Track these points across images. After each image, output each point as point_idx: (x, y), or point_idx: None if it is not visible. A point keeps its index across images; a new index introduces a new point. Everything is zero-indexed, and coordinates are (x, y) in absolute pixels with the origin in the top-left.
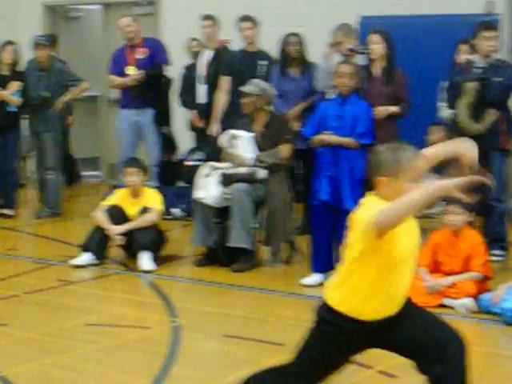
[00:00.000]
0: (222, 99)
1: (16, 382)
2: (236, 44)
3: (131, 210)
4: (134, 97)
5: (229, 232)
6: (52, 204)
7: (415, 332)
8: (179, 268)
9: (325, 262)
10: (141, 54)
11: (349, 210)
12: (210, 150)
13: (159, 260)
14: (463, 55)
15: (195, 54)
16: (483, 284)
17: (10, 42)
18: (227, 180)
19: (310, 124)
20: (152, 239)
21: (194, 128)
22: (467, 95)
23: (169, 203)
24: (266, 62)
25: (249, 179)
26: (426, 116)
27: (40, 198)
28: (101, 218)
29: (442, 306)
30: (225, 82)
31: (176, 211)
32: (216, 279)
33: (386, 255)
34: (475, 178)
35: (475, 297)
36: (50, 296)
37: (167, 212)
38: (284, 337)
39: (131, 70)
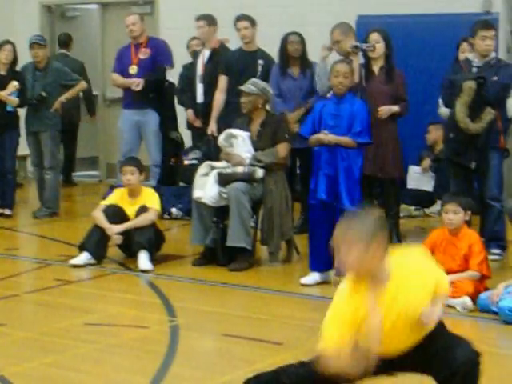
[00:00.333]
0: (220, 98)
1: (14, 381)
2: (234, 43)
3: (129, 209)
4: (135, 98)
5: (227, 231)
6: (50, 204)
7: (427, 353)
8: (177, 267)
9: (323, 261)
10: (143, 54)
11: (346, 209)
12: (207, 149)
13: (157, 259)
14: (463, 54)
15: (195, 54)
16: (482, 283)
17: (7, 42)
18: (224, 179)
19: (307, 123)
20: (150, 238)
21: (190, 127)
22: (465, 94)
23: (167, 203)
24: (263, 62)
25: (246, 178)
26: (424, 115)
27: (38, 198)
28: (99, 217)
29: None
30: (222, 81)
31: (174, 211)
32: (214, 278)
33: None
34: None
35: (473, 296)
36: (49, 296)
37: (165, 211)
38: (282, 336)
39: (134, 70)
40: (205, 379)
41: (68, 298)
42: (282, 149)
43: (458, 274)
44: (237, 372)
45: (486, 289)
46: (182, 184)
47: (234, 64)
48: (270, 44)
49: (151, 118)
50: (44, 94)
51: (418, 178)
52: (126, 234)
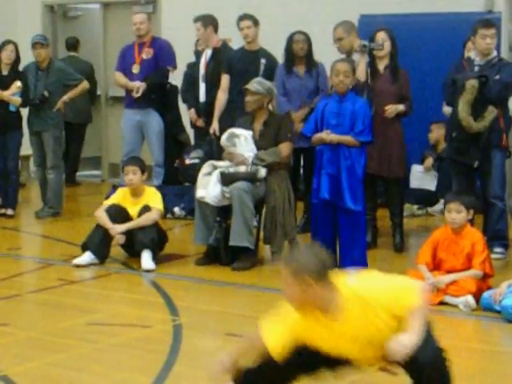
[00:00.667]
0: (222, 98)
1: (17, 381)
2: (236, 43)
3: (132, 209)
4: (137, 98)
5: (230, 231)
6: (53, 203)
7: None
8: (180, 267)
9: None
10: (146, 54)
11: (349, 208)
12: (209, 148)
13: (160, 259)
14: (468, 52)
15: (197, 53)
16: (484, 282)
17: (9, 42)
18: (226, 179)
19: (310, 122)
20: (153, 238)
21: (194, 126)
22: (467, 93)
23: (170, 202)
24: (265, 61)
25: (249, 178)
26: (426, 114)
27: (41, 198)
28: (102, 217)
29: (443, 303)
30: (224, 80)
31: (177, 210)
32: (217, 278)
33: None
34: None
35: (476, 294)
36: (52, 295)
37: (168, 211)
38: None
39: (137, 69)
40: (207, 378)
41: (71, 297)
42: (285, 148)
43: (461, 272)
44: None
45: (489, 288)
46: (185, 183)
47: (236, 63)
48: (272, 43)
49: (153, 118)
50: (46, 93)
51: (421, 177)
52: (128, 233)
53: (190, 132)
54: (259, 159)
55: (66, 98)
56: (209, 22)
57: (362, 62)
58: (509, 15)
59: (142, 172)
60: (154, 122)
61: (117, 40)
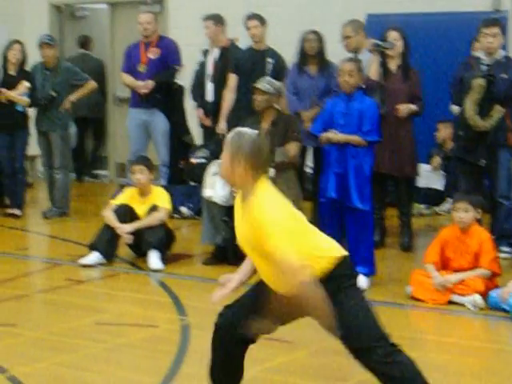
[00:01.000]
0: (229, 97)
1: (25, 381)
2: (244, 42)
3: (140, 208)
4: (142, 97)
5: None
6: (60, 203)
7: None
8: (188, 266)
9: None
10: (153, 53)
11: (356, 207)
12: (215, 147)
13: (168, 259)
14: (475, 51)
15: (205, 52)
16: (492, 281)
17: (16, 42)
18: None
19: (318, 121)
20: (160, 238)
21: (202, 125)
22: (474, 92)
23: (177, 202)
24: (272, 60)
25: None
26: (433, 113)
27: (48, 198)
28: (110, 216)
29: (451, 302)
30: (232, 79)
31: (184, 210)
32: None
33: None
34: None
35: (484, 293)
36: (59, 295)
37: (176, 211)
38: (293, 334)
39: (143, 68)
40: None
41: (78, 297)
42: (293, 148)
43: (469, 271)
44: (247, 371)
45: (497, 286)
46: (191, 183)
47: (243, 63)
48: (279, 43)
49: (159, 118)
50: (54, 93)
51: (428, 176)
52: (136, 233)
53: (198, 132)
54: None
55: (72, 97)
56: (219, 20)
57: (375, 61)
58: None
59: (150, 171)
60: (160, 121)
61: (124, 40)
